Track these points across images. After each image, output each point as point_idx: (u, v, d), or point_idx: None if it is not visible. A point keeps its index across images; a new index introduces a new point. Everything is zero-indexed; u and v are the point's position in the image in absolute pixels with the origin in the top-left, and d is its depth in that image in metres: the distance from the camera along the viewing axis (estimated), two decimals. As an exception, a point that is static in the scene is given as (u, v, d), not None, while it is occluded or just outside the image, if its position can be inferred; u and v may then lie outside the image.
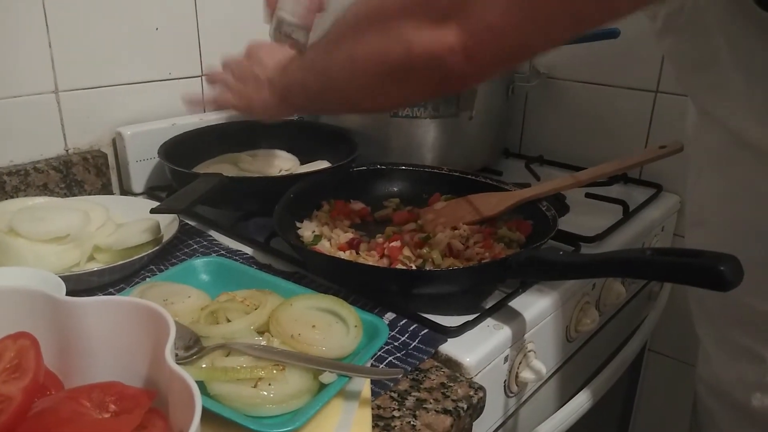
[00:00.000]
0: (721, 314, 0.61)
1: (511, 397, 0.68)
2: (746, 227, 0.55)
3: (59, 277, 0.59)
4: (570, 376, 0.84)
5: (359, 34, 0.53)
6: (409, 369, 0.57)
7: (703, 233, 0.62)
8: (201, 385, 0.48)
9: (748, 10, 0.44)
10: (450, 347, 0.60)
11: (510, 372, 0.66)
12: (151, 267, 0.72)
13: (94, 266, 0.68)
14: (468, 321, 0.62)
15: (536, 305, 0.68)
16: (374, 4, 0.52)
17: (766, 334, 0.56)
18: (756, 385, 0.57)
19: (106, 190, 0.95)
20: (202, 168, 0.96)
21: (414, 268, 0.69)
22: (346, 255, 0.73)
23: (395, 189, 0.90)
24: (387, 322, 0.61)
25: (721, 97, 0.52)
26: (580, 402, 0.78)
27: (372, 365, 0.56)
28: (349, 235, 0.78)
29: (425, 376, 0.57)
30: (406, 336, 0.61)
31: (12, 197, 0.84)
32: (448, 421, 0.52)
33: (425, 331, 0.61)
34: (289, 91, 0.70)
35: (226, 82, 0.81)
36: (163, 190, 0.96)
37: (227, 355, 0.51)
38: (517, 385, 0.67)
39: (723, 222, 0.58)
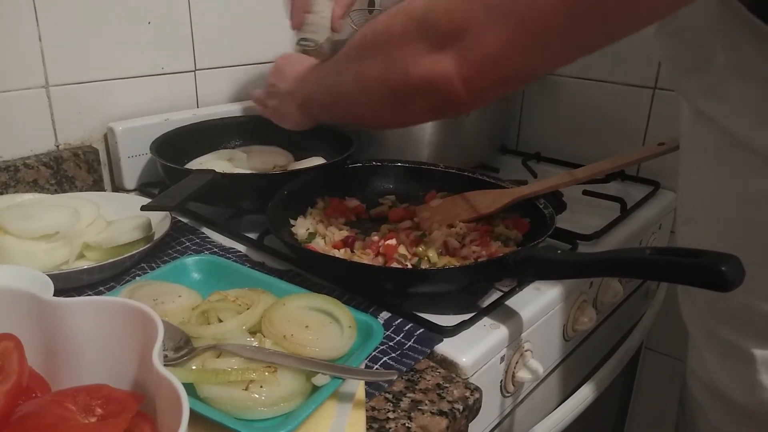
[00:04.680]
0: (709, 310, 0.61)
1: (508, 397, 0.68)
2: (737, 225, 0.55)
3: (48, 275, 0.58)
4: (567, 374, 0.84)
5: (365, 56, 0.55)
6: (404, 370, 0.56)
7: (692, 230, 0.62)
8: (191, 387, 0.47)
9: (742, 14, 0.45)
10: (446, 347, 0.59)
11: (506, 372, 0.65)
12: (143, 265, 0.71)
13: (83, 264, 0.67)
14: (464, 320, 0.62)
15: (533, 304, 0.68)
16: (381, 27, 0.53)
17: (752, 331, 0.56)
18: (744, 382, 0.57)
19: (97, 186, 0.94)
20: (195, 164, 0.95)
21: (410, 266, 0.68)
22: (340, 253, 0.72)
23: (391, 186, 0.89)
24: (382, 322, 0.60)
25: (716, 99, 0.53)
26: (577, 401, 0.77)
27: (366, 366, 0.56)
28: (344, 233, 0.77)
29: (420, 376, 0.56)
30: (401, 336, 0.60)
31: (1, 194, 0.82)
32: (443, 422, 0.51)
33: (421, 330, 0.60)
34: (308, 102, 0.74)
35: (261, 99, 0.90)
36: (155, 187, 0.95)
37: (218, 357, 0.50)
38: (513, 385, 0.67)
39: (713, 220, 0.58)
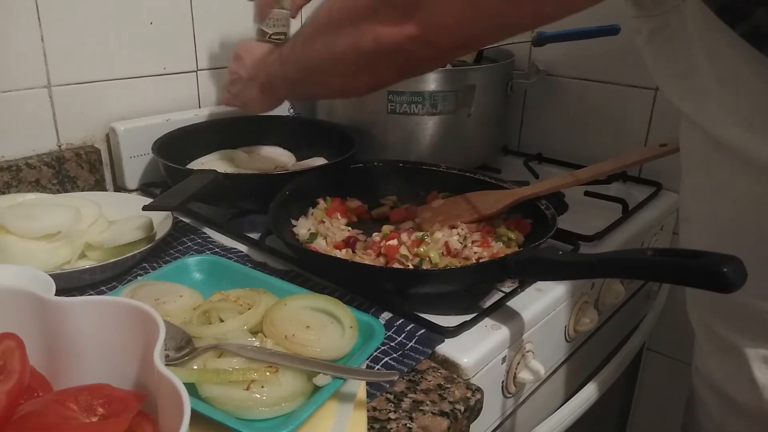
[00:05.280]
0: (708, 307, 0.62)
1: (509, 397, 0.67)
2: (727, 225, 0.56)
3: (50, 275, 0.58)
4: (569, 375, 0.84)
5: (334, 30, 0.61)
6: (406, 370, 0.56)
7: (688, 229, 0.63)
8: (192, 387, 0.47)
9: (724, 26, 0.47)
10: (447, 348, 0.59)
11: (508, 373, 0.65)
12: (144, 265, 0.71)
13: (85, 264, 0.67)
14: (465, 321, 0.62)
15: (535, 305, 0.67)
16: (347, 3, 0.60)
17: (745, 328, 0.56)
18: (741, 380, 0.57)
19: (99, 186, 0.94)
20: (197, 164, 0.95)
21: (411, 267, 0.68)
22: (342, 254, 0.72)
23: (392, 186, 0.89)
24: (383, 322, 0.60)
25: (700, 103, 0.54)
26: (579, 402, 0.77)
27: (368, 366, 0.56)
28: (346, 234, 0.77)
29: (422, 377, 0.56)
30: (402, 336, 0.60)
31: (3, 193, 0.82)
32: (444, 423, 0.51)
33: (422, 331, 0.60)
34: (272, 83, 0.78)
35: (226, 86, 0.93)
36: (157, 187, 0.95)
37: (219, 356, 0.50)
38: (515, 386, 0.67)
39: (706, 219, 0.59)
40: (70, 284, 0.65)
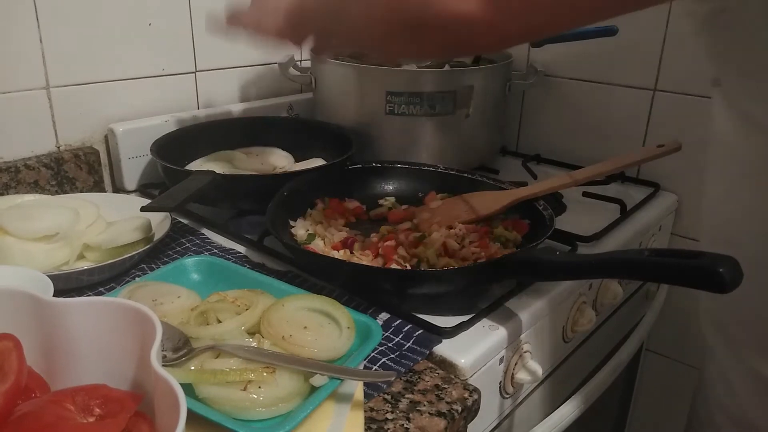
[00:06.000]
0: (748, 344, 0.57)
1: (507, 398, 0.68)
2: None
3: (48, 276, 0.58)
4: (566, 376, 0.84)
5: None
6: (403, 371, 0.56)
7: (730, 252, 0.55)
8: (189, 387, 0.47)
9: None
10: (445, 348, 0.59)
11: (505, 373, 0.65)
12: (142, 266, 0.71)
13: (83, 265, 0.67)
14: (463, 321, 0.62)
15: (532, 305, 0.68)
16: None
17: None
18: None
19: (98, 187, 0.94)
20: (196, 165, 0.95)
21: (409, 267, 0.68)
22: (340, 254, 0.72)
23: (390, 187, 0.89)
24: (381, 323, 0.60)
25: (766, 102, 0.49)
26: (577, 403, 0.77)
27: (365, 367, 0.56)
28: (344, 234, 0.77)
29: (419, 377, 0.56)
30: (400, 337, 0.60)
31: (2, 194, 0.82)
32: (442, 423, 0.51)
33: (419, 331, 0.60)
34: (301, 18, 0.64)
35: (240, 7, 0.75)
36: (156, 188, 0.95)
37: (217, 357, 0.50)
38: (512, 387, 0.67)
39: (757, 239, 0.54)
40: (68, 285, 0.65)
